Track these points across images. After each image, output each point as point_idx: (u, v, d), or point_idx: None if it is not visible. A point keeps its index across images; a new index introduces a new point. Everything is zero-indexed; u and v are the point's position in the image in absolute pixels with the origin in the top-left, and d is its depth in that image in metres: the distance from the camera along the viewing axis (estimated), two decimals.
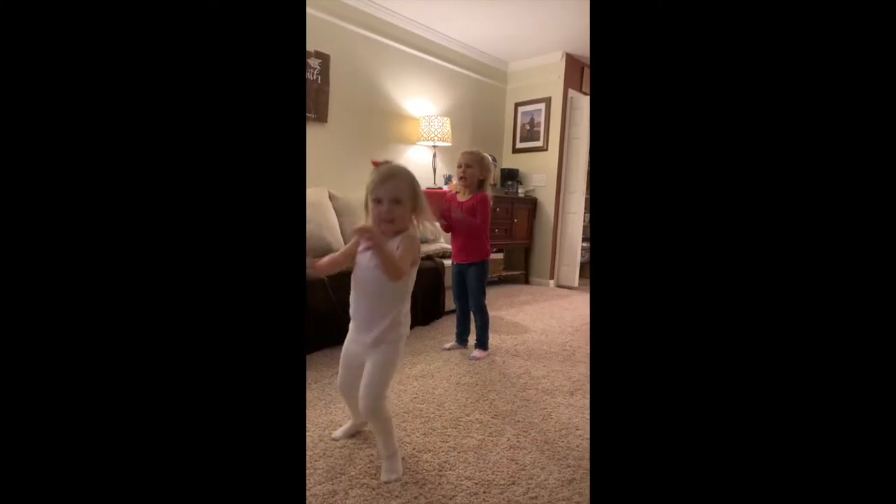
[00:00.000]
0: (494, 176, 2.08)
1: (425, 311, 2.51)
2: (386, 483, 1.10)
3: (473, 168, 1.98)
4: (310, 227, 2.53)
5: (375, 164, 1.15)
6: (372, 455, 1.22)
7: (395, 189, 1.10)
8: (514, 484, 1.12)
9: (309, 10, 2.78)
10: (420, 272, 2.53)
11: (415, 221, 1.15)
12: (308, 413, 1.45)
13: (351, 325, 1.18)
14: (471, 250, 2.03)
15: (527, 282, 4.11)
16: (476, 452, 1.25)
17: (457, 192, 2.07)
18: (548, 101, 3.92)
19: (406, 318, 1.18)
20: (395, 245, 1.10)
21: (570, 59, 3.83)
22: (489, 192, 2.04)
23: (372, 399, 1.10)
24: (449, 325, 2.52)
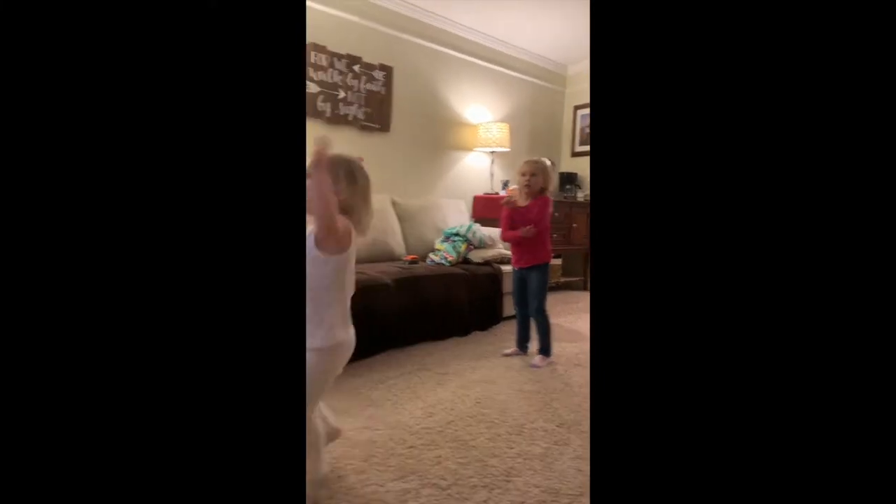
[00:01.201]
0: (553, 181, 2.07)
1: (483, 316, 2.53)
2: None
3: (538, 176, 2.00)
4: (374, 233, 2.63)
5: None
6: (440, 456, 1.26)
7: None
8: (581, 495, 1.11)
9: (373, 25, 2.90)
10: (478, 277, 2.58)
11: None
12: (376, 412, 1.51)
13: None
14: (532, 254, 2.03)
15: (585, 288, 4.02)
16: (542, 460, 1.26)
17: (514, 200, 2.08)
18: None
19: (336, 320, 0.99)
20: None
21: None
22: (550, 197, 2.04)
23: None
24: (506, 330, 2.52)
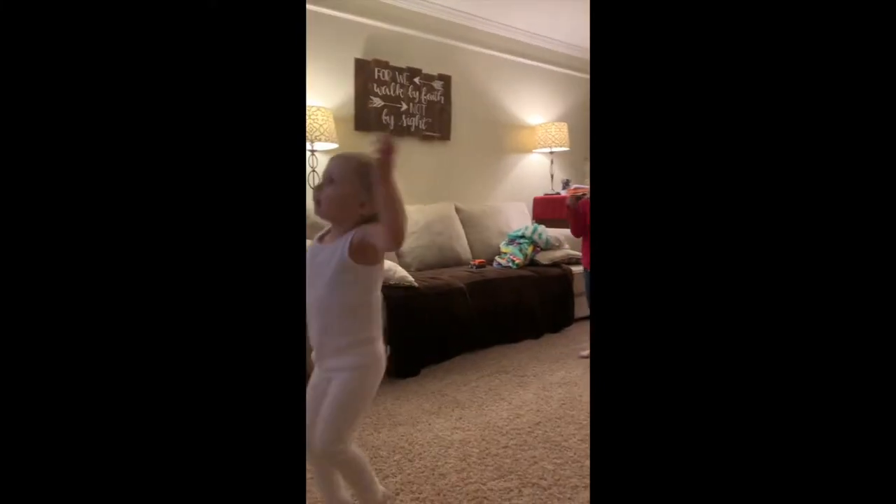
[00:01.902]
0: None
1: (556, 318, 2.51)
2: None
3: None
4: (440, 238, 2.70)
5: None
6: (535, 456, 1.28)
7: (334, 167, 0.88)
8: None
9: (430, 37, 2.98)
10: (548, 279, 2.57)
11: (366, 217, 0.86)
12: (464, 413, 1.55)
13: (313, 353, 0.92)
14: None
15: None
16: None
17: (586, 195, 2.06)
18: None
19: (376, 333, 0.90)
20: (347, 239, 0.84)
21: None
22: None
23: (326, 442, 0.85)
24: (578, 331, 2.49)
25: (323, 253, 0.87)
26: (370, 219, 0.86)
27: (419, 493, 1.12)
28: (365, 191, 0.85)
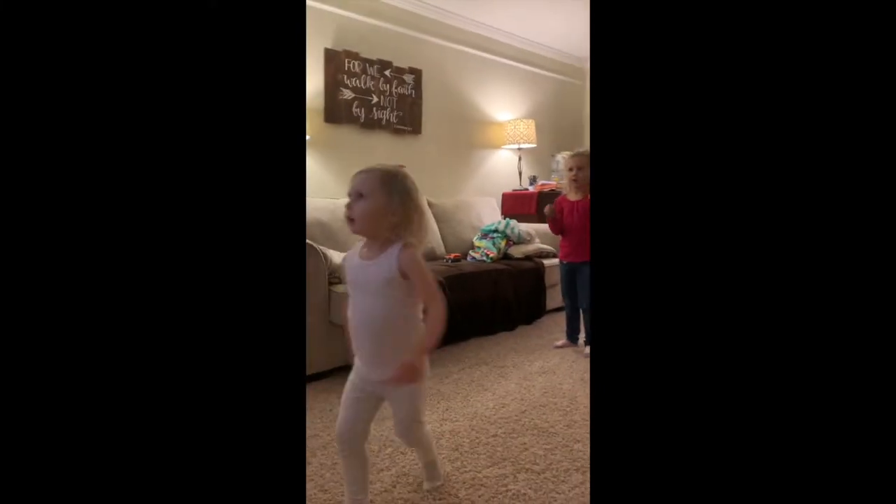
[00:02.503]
0: None
1: (529, 310, 2.56)
2: (431, 490, 1.08)
3: (584, 170, 2.00)
4: None
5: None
6: (525, 442, 1.30)
7: (360, 182, 0.91)
8: None
9: (401, 30, 2.95)
10: (521, 272, 2.62)
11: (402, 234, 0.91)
12: (450, 405, 1.56)
13: (356, 361, 0.98)
14: (585, 249, 2.05)
15: None
16: None
17: (565, 193, 2.11)
18: None
19: (422, 331, 0.96)
20: (387, 262, 0.89)
21: None
22: None
23: (410, 432, 1.01)
24: (550, 323, 2.56)
25: (370, 269, 0.91)
26: (398, 225, 0.91)
27: (416, 486, 1.11)
28: (392, 201, 0.90)
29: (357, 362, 0.97)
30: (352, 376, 0.99)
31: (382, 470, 1.18)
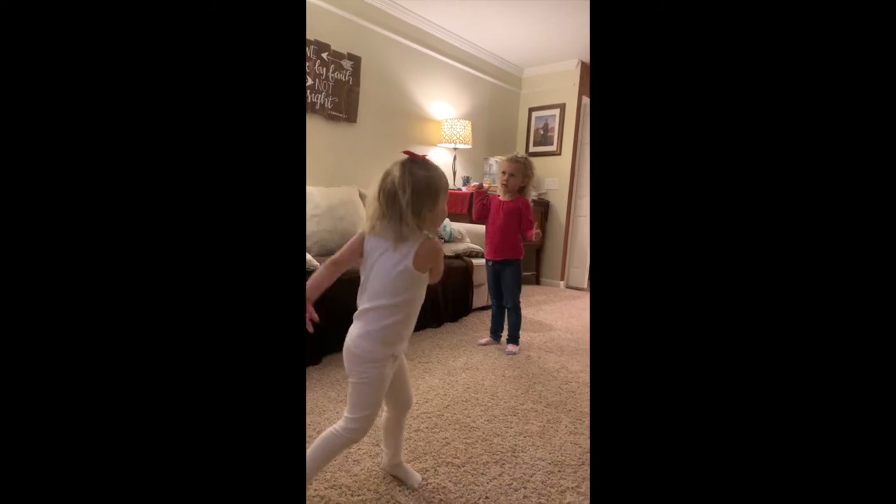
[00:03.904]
0: (533, 180, 2.16)
1: (456, 308, 2.60)
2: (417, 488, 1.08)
3: (516, 177, 2.07)
4: (342, 224, 2.60)
5: (408, 153, 1.00)
6: (447, 438, 1.31)
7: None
8: (584, 464, 1.22)
9: (342, 13, 2.85)
10: (451, 271, 2.65)
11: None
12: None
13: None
14: (507, 248, 2.13)
15: (538, 282, 4.23)
16: (541, 437, 1.35)
17: (496, 193, 2.17)
18: (562, 107, 4.05)
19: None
20: (408, 249, 0.96)
21: (586, 68, 3.96)
22: (529, 197, 2.14)
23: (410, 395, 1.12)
24: (476, 321, 2.61)
25: (387, 254, 0.98)
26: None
27: (334, 482, 1.08)
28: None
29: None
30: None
31: None
